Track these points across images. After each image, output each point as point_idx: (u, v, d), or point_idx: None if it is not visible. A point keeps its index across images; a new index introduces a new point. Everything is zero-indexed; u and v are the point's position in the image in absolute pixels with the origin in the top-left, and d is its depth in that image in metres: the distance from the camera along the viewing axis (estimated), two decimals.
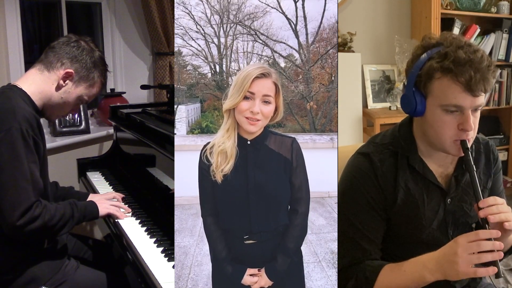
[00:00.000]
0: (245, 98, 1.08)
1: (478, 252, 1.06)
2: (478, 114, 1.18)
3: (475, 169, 1.18)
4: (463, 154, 1.19)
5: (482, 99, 1.14)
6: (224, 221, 1.15)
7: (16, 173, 1.39)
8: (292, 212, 1.16)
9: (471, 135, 1.18)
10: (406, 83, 1.23)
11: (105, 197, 1.91)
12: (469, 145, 1.18)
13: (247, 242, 1.14)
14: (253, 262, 1.14)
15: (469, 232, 1.09)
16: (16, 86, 1.52)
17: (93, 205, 1.70)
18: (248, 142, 1.14)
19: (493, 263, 1.06)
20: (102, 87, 1.69)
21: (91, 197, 1.90)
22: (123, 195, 1.97)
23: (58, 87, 1.56)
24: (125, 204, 1.87)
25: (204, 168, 1.13)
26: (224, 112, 1.12)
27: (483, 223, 1.12)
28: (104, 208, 1.72)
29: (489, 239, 1.07)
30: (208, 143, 1.15)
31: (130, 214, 1.81)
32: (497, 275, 1.07)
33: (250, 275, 1.13)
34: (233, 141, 1.11)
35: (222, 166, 1.10)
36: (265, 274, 1.13)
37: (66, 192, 1.90)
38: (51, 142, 2.58)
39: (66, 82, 1.57)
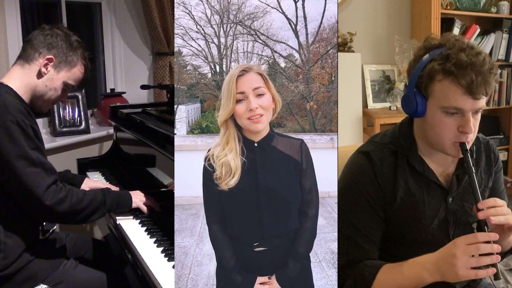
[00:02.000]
0: (239, 101, 1.05)
1: (477, 255, 1.06)
2: (478, 116, 1.18)
3: (474, 171, 1.18)
4: (462, 156, 1.19)
5: (483, 102, 1.14)
6: (233, 228, 1.11)
7: (23, 162, 1.43)
8: (302, 215, 1.13)
9: (471, 137, 1.18)
10: (407, 84, 1.23)
11: (99, 186, 1.94)
12: (468, 147, 1.18)
13: (257, 249, 1.10)
14: (263, 269, 1.11)
15: (468, 235, 1.10)
16: (2, 83, 1.55)
17: (127, 195, 1.73)
18: (255, 144, 1.10)
19: (492, 265, 1.06)
20: (86, 70, 1.69)
21: (86, 181, 1.94)
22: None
23: (40, 75, 1.59)
24: None
25: (208, 173, 1.09)
26: (221, 125, 1.09)
27: (482, 225, 1.12)
28: (138, 200, 1.74)
29: (488, 242, 1.07)
30: (210, 149, 1.11)
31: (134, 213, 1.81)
32: (496, 277, 1.07)
33: (260, 283, 1.09)
34: (235, 153, 1.07)
35: (227, 180, 1.06)
36: (276, 282, 1.10)
37: (62, 176, 1.93)
38: (51, 142, 2.58)
39: (47, 69, 1.59)
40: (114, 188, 1.96)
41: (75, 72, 1.65)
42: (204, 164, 1.11)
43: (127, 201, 1.72)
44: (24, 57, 1.60)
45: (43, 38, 1.60)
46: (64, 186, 1.51)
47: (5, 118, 1.42)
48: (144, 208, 1.76)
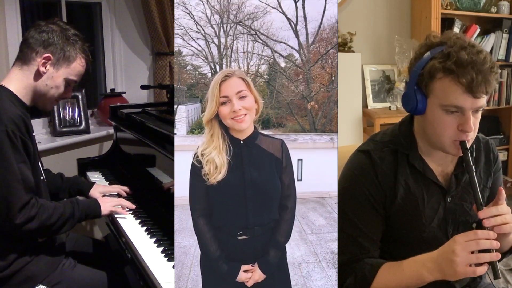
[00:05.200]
0: (223, 104, 1.13)
1: (476, 252, 1.06)
2: (479, 115, 1.18)
3: (474, 170, 1.18)
4: (462, 154, 1.19)
5: (483, 100, 1.14)
6: (220, 219, 1.18)
7: (5, 174, 1.40)
8: (282, 208, 1.22)
9: (471, 136, 1.18)
10: (408, 81, 1.23)
11: (109, 190, 1.95)
12: (468, 146, 1.18)
13: (240, 238, 1.17)
14: (245, 257, 1.18)
15: (467, 232, 1.10)
16: (2, 86, 1.53)
17: (96, 204, 1.71)
18: (241, 142, 1.18)
19: (492, 264, 1.06)
20: (87, 63, 1.66)
21: (95, 187, 1.93)
22: (128, 191, 1.99)
23: (40, 75, 1.56)
24: None
25: (196, 169, 1.16)
26: (205, 124, 1.18)
27: (482, 223, 1.12)
28: (107, 207, 1.73)
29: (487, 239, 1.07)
30: (198, 147, 1.18)
31: (131, 211, 1.82)
32: (495, 276, 1.07)
33: (244, 271, 1.17)
34: (219, 150, 1.15)
35: (215, 175, 1.14)
36: (259, 269, 1.17)
37: (71, 182, 1.92)
38: (51, 142, 2.58)
39: (46, 67, 1.56)
40: (120, 190, 1.98)
41: (75, 67, 1.61)
42: (192, 161, 1.17)
43: (96, 210, 1.69)
44: (21, 58, 1.57)
45: (39, 36, 1.56)
46: (37, 201, 1.47)
47: None
48: (119, 210, 1.76)
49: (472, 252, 1.06)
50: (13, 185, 1.41)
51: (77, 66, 1.62)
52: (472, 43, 1.15)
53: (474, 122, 1.16)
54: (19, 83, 1.55)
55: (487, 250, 1.07)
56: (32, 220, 1.44)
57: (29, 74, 1.56)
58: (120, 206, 1.79)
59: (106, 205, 1.73)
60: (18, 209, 1.41)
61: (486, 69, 1.11)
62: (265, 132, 1.28)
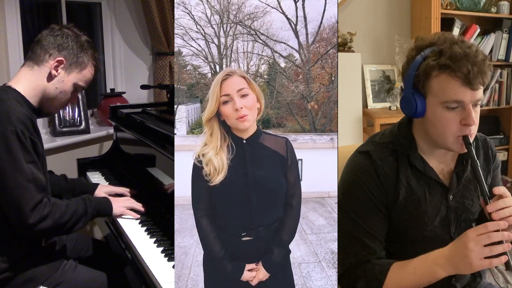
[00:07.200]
0: (225, 103, 1.12)
1: (489, 245, 1.07)
2: (478, 109, 1.19)
3: (478, 164, 1.18)
4: (466, 150, 1.19)
5: (481, 92, 1.16)
6: (223, 219, 1.17)
7: (16, 174, 1.40)
8: (287, 206, 1.20)
9: (473, 130, 1.19)
10: (403, 86, 1.24)
11: (114, 190, 1.95)
12: (471, 140, 1.19)
13: (244, 239, 1.16)
14: (249, 257, 1.17)
15: (477, 226, 1.11)
16: (10, 87, 1.52)
17: (108, 202, 1.72)
18: (244, 141, 1.17)
19: (504, 254, 1.07)
20: (96, 71, 1.67)
21: (100, 188, 1.93)
22: (134, 191, 1.99)
23: (51, 77, 1.56)
24: None
25: (198, 169, 1.15)
26: (205, 124, 1.16)
27: (490, 216, 1.13)
28: (118, 207, 1.74)
29: (497, 231, 1.08)
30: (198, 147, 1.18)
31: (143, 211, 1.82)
32: (508, 266, 1.08)
33: (249, 270, 1.16)
34: (215, 151, 1.13)
35: (215, 177, 1.12)
36: (263, 268, 1.16)
37: (75, 184, 1.93)
38: (51, 142, 2.58)
39: (58, 71, 1.56)
40: (125, 191, 1.98)
41: (85, 74, 1.62)
42: (193, 161, 1.16)
43: (108, 209, 1.70)
44: (33, 58, 1.56)
45: (53, 39, 1.56)
46: (49, 200, 1.47)
47: (5, 127, 1.39)
48: (129, 213, 1.76)
49: (485, 245, 1.07)
50: (24, 185, 1.41)
51: (87, 73, 1.63)
52: (462, 39, 1.17)
53: (475, 116, 1.17)
54: (28, 84, 1.54)
55: (500, 242, 1.08)
56: (45, 219, 1.43)
57: (39, 75, 1.55)
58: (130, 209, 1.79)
59: (118, 205, 1.74)
60: (30, 208, 1.41)
61: (479, 61, 1.12)
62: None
